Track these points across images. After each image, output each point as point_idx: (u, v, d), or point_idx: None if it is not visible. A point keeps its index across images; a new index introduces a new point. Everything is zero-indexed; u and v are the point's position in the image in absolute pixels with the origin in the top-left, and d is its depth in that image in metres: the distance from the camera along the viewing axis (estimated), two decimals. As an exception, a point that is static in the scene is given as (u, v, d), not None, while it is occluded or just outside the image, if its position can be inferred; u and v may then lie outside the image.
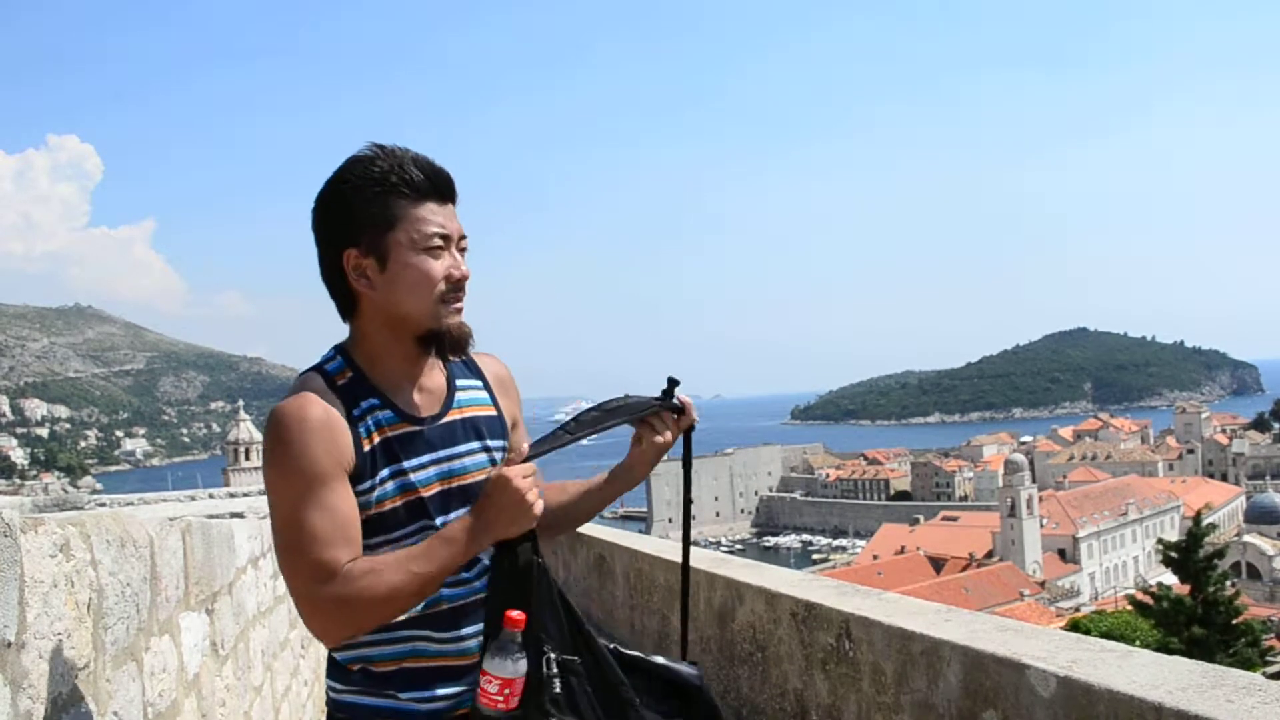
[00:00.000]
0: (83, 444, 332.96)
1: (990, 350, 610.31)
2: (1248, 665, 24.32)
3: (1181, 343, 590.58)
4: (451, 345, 2.06)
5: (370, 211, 2.00)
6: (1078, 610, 51.41)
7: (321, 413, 1.90)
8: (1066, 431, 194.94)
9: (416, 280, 2.02)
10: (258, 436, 62.86)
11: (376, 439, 1.97)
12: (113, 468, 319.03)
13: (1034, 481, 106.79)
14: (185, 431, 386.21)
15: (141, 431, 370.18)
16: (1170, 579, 27.28)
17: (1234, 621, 24.53)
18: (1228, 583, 25.44)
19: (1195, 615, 24.41)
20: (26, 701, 1.63)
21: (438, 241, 2.03)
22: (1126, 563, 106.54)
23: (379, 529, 1.92)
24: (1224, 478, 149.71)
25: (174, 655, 3.09)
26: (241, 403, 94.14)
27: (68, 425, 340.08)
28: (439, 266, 2.03)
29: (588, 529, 8.77)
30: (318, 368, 2.05)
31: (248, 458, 58.77)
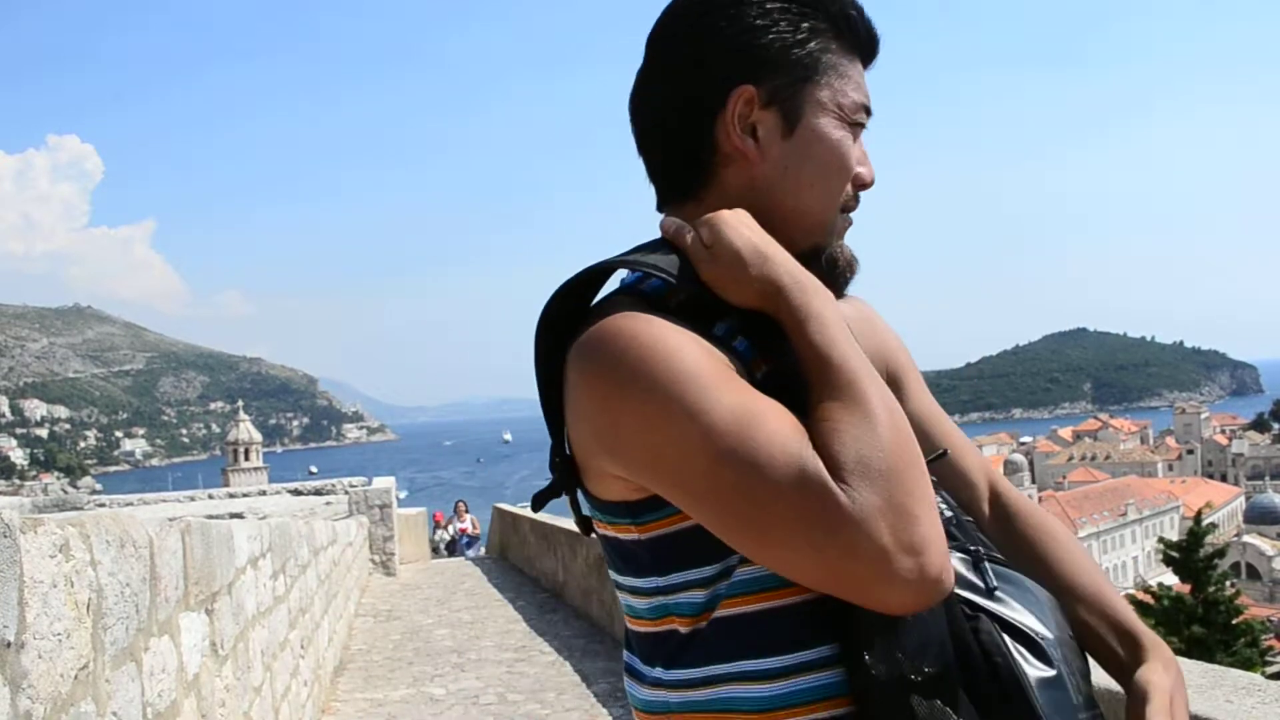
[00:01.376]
0: (82, 444, 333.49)
1: (990, 350, 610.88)
2: (1247, 665, 24.28)
3: (1181, 343, 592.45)
4: (840, 275, 1.33)
5: (788, 45, 1.27)
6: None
7: (672, 329, 1.12)
8: (1066, 432, 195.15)
9: (830, 162, 1.29)
10: (258, 437, 62.98)
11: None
12: (112, 468, 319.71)
13: (1034, 482, 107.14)
14: (185, 432, 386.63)
15: (141, 432, 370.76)
16: (1171, 579, 27.29)
17: (1234, 621, 24.54)
18: (1228, 583, 25.47)
19: (1196, 615, 24.44)
20: (26, 701, 1.60)
21: (862, 118, 1.33)
22: (1126, 563, 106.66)
23: None
24: (1223, 478, 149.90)
25: (173, 655, 3.09)
26: (241, 403, 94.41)
27: (67, 426, 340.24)
28: (855, 154, 1.32)
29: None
30: (624, 290, 1.26)
31: (247, 458, 58.87)
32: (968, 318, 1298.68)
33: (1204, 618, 24.12)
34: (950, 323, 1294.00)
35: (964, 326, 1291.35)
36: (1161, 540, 29.45)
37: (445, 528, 24.65)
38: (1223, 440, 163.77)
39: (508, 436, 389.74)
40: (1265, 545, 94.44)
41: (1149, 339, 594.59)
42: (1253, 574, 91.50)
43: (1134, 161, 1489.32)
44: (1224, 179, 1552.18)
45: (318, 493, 18.45)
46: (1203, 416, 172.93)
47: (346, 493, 18.16)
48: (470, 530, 24.25)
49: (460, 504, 25.11)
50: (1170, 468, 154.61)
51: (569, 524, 11.30)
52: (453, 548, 23.71)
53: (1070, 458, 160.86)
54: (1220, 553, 28.12)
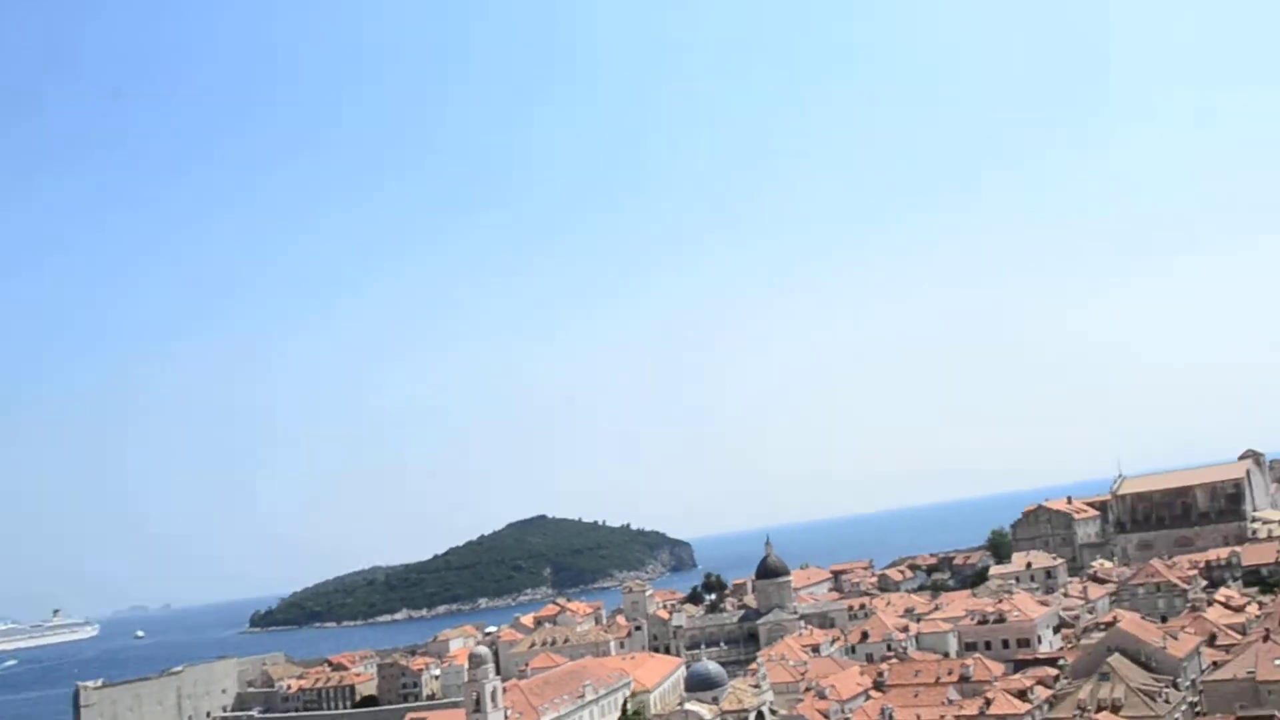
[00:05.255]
0: None
1: (456, 541, 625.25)
2: None
3: (628, 525, 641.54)
4: None
5: None
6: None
7: None
8: (528, 618, 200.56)
9: None
10: None
11: None
12: None
13: (499, 673, 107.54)
14: None
15: None
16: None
17: None
18: None
19: None
20: None
21: None
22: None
23: None
24: (667, 650, 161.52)
25: None
26: None
27: None
28: None
29: None
30: None
31: None
32: (433, 509, 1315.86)
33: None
34: (415, 515, 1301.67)
35: (430, 519, 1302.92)
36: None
37: None
38: (664, 615, 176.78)
39: None
40: (704, 710, 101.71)
41: (601, 523, 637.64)
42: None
43: (573, 356, 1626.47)
44: (639, 375, 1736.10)
45: None
46: (647, 594, 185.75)
47: None
48: None
49: None
50: (622, 645, 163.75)
51: None
52: None
53: (533, 644, 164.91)
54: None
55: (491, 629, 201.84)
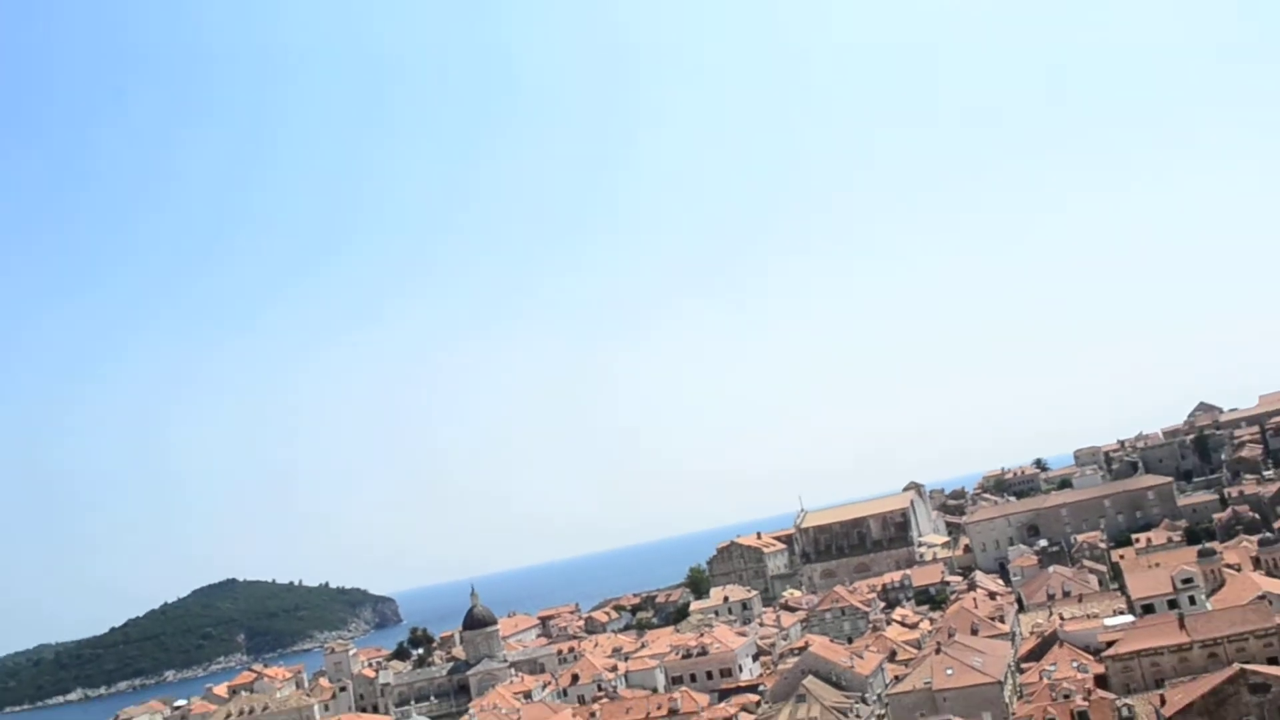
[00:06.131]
0: None
1: (136, 611, 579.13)
2: None
3: (327, 584, 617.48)
4: None
5: None
6: None
7: None
8: (222, 688, 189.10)
9: None
10: None
11: None
12: None
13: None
14: None
15: None
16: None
17: None
18: None
19: None
20: None
21: None
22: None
23: None
24: (375, 709, 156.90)
25: None
26: None
27: None
28: None
29: None
30: None
31: None
32: (109, 578, 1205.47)
33: None
34: (89, 585, 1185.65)
35: (107, 587, 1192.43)
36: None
37: None
38: (370, 673, 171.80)
39: None
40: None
41: (297, 584, 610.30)
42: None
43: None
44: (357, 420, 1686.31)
45: None
46: (351, 653, 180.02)
47: None
48: None
49: None
50: (327, 708, 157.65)
51: None
52: None
53: (228, 715, 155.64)
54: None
55: (181, 702, 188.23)
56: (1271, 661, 71.57)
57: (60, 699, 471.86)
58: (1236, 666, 66.72)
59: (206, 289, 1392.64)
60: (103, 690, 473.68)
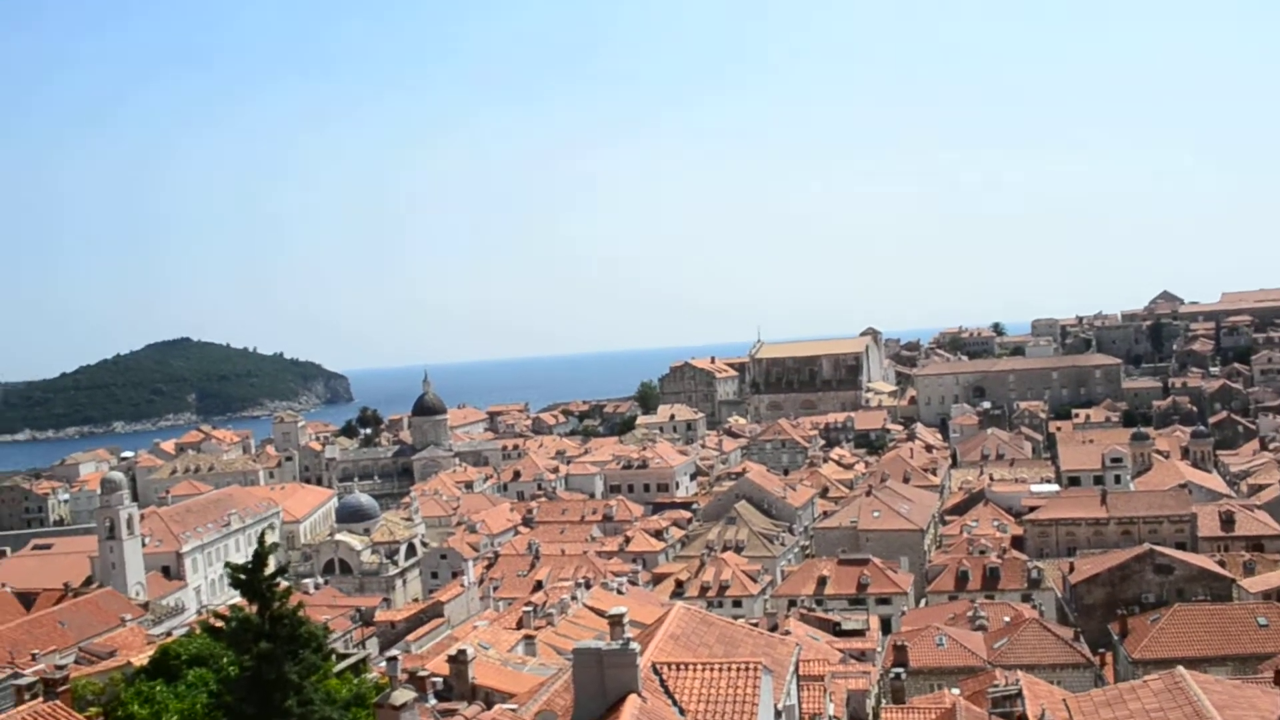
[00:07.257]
0: None
1: (88, 359, 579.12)
2: (313, 670, 26.44)
3: (281, 354, 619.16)
4: None
5: None
6: (169, 635, 50.21)
7: None
8: (169, 445, 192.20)
9: None
10: None
11: None
12: None
13: (136, 499, 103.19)
14: None
15: None
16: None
17: (298, 632, 26.15)
18: (290, 595, 27.10)
19: (263, 631, 25.50)
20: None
21: None
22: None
23: None
24: (319, 481, 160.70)
25: None
26: None
27: None
28: None
29: None
30: None
31: None
32: (62, 322, 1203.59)
33: (271, 633, 25.31)
34: (40, 327, 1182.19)
35: (58, 331, 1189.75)
36: (228, 564, 30.22)
37: None
38: (317, 447, 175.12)
39: None
40: (355, 541, 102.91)
41: (251, 350, 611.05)
42: (345, 569, 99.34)
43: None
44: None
45: None
46: (300, 425, 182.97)
47: None
48: None
49: None
50: (271, 475, 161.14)
51: None
52: None
53: (174, 471, 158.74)
54: (283, 569, 30.00)
55: (128, 454, 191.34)
56: (1180, 546, 74.72)
57: (8, 437, 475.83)
58: (1146, 546, 69.65)
59: (219, 45, 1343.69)
60: (50, 434, 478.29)
